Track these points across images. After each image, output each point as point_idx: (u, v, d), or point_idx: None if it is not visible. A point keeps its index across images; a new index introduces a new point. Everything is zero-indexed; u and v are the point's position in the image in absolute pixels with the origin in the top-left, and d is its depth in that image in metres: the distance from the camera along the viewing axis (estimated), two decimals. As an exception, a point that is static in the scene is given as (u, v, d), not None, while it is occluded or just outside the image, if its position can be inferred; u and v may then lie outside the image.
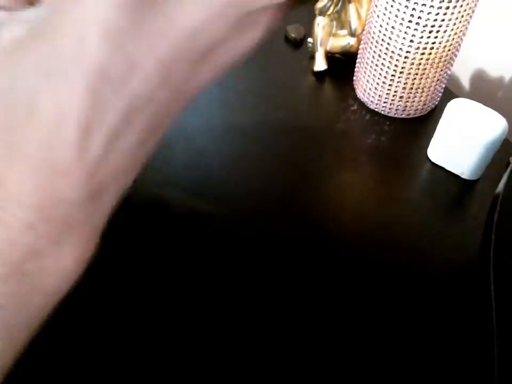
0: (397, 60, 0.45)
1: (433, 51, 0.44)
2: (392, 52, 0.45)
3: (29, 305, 0.18)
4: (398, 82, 0.47)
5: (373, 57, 0.47)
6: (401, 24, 0.43)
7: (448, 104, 0.43)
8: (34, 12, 0.18)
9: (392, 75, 0.47)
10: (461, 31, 0.44)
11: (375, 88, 0.49)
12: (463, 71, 0.61)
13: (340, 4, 0.52)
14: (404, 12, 0.42)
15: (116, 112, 0.18)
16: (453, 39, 0.44)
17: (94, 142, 0.17)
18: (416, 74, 0.46)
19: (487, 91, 0.59)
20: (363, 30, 0.51)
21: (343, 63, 0.55)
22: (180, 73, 0.19)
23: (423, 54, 0.44)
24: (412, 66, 0.45)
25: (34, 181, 0.17)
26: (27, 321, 0.18)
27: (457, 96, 0.47)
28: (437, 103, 0.52)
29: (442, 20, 0.41)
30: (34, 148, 0.17)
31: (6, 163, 0.17)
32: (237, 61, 0.20)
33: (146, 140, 0.19)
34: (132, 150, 0.19)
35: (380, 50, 0.46)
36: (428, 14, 0.41)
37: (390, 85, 0.48)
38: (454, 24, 0.42)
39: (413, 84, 0.47)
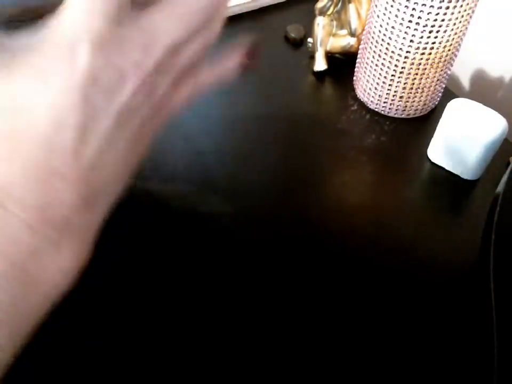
0: (397, 60, 0.45)
1: (433, 51, 0.44)
2: (392, 52, 0.45)
3: (28, 302, 0.18)
4: (398, 82, 0.47)
5: (373, 57, 0.47)
6: (401, 24, 0.43)
7: (448, 104, 0.43)
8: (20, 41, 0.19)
9: (392, 75, 0.47)
10: (461, 31, 0.44)
11: (375, 88, 0.49)
12: (463, 71, 0.61)
13: (339, 3, 0.52)
14: (404, 12, 0.42)
15: (108, 119, 0.19)
16: (453, 39, 0.44)
17: (88, 147, 0.18)
18: (416, 74, 0.46)
19: (487, 91, 0.59)
20: (363, 30, 0.51)
21: (343, 63, 0.55)
22: (162, 88, 0.20)
23: (423, 54, 0.44)
24: (412, 66, 0.45)
25: (34, 183, 0.18)
26: (26, 318, 0.19)
27: (457, 96, 0.47)
28: (437, 103, 0.52)
29: (442, 20, 0.41)
30: (35, 153, 0.18)
31: (8, 167, 0.18)
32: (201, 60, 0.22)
33: (134, 149, 0.21)
34: (122, 156, 0.20)
35: (380, 50, 0.46)
36: (428, 14, 0.41)
37: (390, 85, 0.48)
38: (454, 24, 0.42)
39: (413, 83, 0.47)
